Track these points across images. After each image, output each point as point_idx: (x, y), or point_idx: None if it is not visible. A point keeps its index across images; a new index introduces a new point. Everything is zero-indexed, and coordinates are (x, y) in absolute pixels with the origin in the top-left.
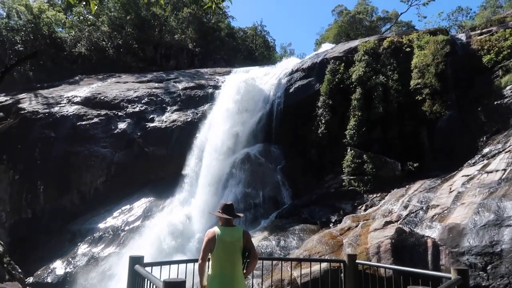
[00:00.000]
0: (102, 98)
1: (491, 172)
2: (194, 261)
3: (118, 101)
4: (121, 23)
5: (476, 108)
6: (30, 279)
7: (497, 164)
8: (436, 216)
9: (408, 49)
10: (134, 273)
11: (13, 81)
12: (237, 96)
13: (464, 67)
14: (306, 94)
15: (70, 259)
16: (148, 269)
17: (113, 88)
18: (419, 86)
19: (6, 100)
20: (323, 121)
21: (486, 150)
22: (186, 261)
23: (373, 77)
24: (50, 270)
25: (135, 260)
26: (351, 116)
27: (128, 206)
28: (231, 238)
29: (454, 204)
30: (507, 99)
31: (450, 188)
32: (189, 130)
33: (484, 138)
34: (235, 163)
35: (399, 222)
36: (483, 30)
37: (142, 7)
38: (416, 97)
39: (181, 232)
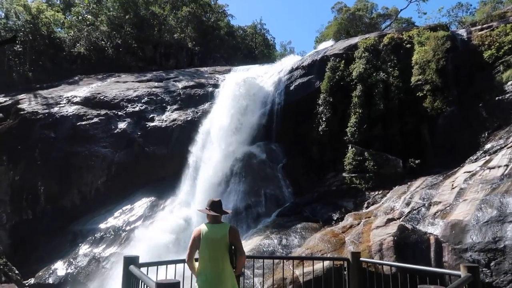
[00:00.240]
0: (101, 98)
1: (493, 168)
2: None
3: (118, 100)
4: (120, 22)
5: (478, 104)
6: (32, 280)
7: (499, 160)
8: (439, 212)
9: (408, 46)
10: (128, 274)
11: (12, 81)
12: (237, 95)
13: (465, 63)
14: (306, 91)
15: (71, 260)
16: (144, 269)
17: (113, 88)
18: (420, 82)
19: (5, 101)
20: (323, 119)
21: (488, 146)
22: (183, 261)
23: (374, 74)
24: (51, 271)
25: (130, 260)
26: (352, 114)
27: (129, 206)
28: (216, 235)
29: (457, 200)
30: (509, 95)
31: (452, 185)
32: (189, 129)
33: (486, 134)
34: (236, 162)
35: (401, 219)
36: (484, 26)
37: (141, 6)
38: (417, 94)
39: (182, 231)
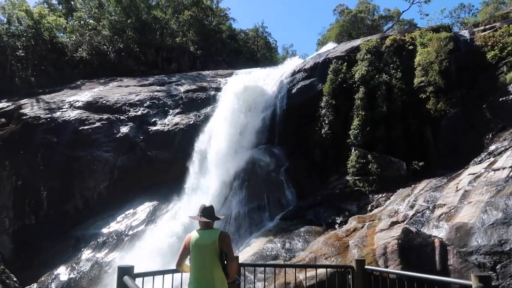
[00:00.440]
0: (104, 102)
1: (498, 169)
2: (183, 272)
3: (120, 105)
4: (122, 27)
5: (481, 105)
6: (34, 286)
7: (504, 162)
8: (443, 215)
9: (411, 47)
10: (122, 285)
11: (14, 86)
12: (239, 98)
13: (468, 64)
14: (308, 94)
15: (74, 265)
16: (139, 279)
17: (115, 92)
18: (423, 84)
19: (7, 106)
20: (326, 121)
21: (492, 147)
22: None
23: (376, 76)
24: (54, 276)
25: (124, 271)
26: (355, 116)
27: (131, 211)
28: (205, 242)
29: (461, 203)
30: None
31: (457, 187)
32: (191, 132)
33: (490, 136)
34: (238, 165)
35: (405, 222)
36: (487, 26)
37: (143, 11)
38: (420, 95)
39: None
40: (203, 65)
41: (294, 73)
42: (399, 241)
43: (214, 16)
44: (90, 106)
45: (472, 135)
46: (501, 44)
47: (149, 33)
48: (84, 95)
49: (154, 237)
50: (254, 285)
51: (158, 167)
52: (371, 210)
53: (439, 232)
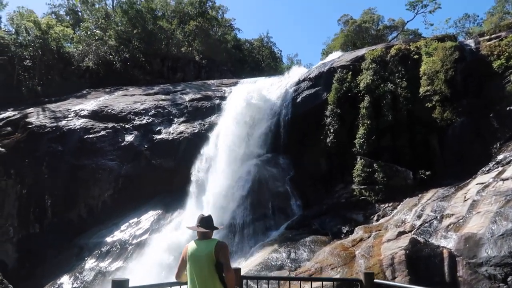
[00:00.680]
0: (109, 111)
1: (507, 179)
2: (186, 283)
3: (125, 113)
4: (128, 37)
5: (488, 114)
6: None
7: None
8: (451, 225)
9: (416, 56)
10: None
11: (21, 96)
12: (244, 107)
13: (474, 73)
14: (313, 103)
15: (77, 274)
16: None
17: (120, 101)
18: (428, 93)
19: (14, 115)
20: (331, 130)
21: (500, 156)
22: (176, 284)
23: (381, 85)
24: (57, 286)
25: (119, 285)
26: (360, 125)
27: (135, 219)
28: (201, 252)
29: (470, 213)
30: None
31: (465, 197)
32: (196, 141)
33: (498, 145)
34: (243, 174)
35: (413, 232)
36: (492, 36)
37: (149, 21)
38: (426, 104)
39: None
40: (208, 74)
41: (299, 82)
42: (407, 252)
43: (219, 26)
44: (95, 115)
45: (479, 144)
46: (507, 53)
47: (155, 43)
48: (90, 104)
49: (157, 247)
50: None
51: (163, 175)
52: (377, 220)
53: (448, 242)
